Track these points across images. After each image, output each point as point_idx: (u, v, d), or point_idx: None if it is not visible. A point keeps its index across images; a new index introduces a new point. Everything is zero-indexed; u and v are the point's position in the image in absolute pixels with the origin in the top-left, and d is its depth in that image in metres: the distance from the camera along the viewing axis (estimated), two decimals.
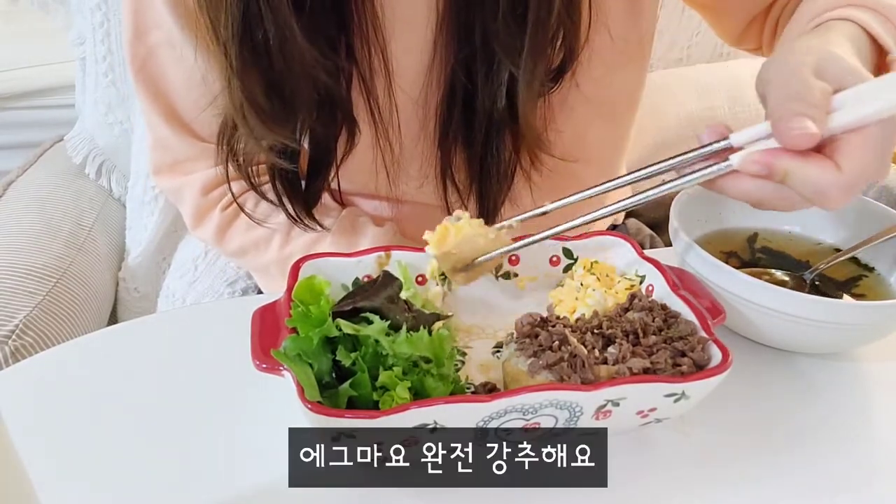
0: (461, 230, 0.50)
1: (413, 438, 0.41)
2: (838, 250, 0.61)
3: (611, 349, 0.47)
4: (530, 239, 0.50)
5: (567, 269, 0.56)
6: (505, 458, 0.43)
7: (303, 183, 0.70)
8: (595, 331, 0.49)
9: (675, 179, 0.48)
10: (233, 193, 0.70)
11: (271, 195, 0.69)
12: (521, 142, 0.65)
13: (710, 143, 0.48)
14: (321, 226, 0.71)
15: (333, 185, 0.70)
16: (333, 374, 0.45)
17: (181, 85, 0.69)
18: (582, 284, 0.53)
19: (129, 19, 0.68)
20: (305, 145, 0.66)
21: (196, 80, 0.66)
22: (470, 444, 0.43)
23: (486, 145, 0.66)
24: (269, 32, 0.56)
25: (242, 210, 0.72)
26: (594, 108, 0.70)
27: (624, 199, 0.48)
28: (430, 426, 0.40)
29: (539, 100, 0.64)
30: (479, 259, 0.50)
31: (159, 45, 0.68)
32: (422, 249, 0.54)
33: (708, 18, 0.76)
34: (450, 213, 0.53)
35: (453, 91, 0.64)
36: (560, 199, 0.50)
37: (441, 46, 0.63)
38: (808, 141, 0.43)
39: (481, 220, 0.51)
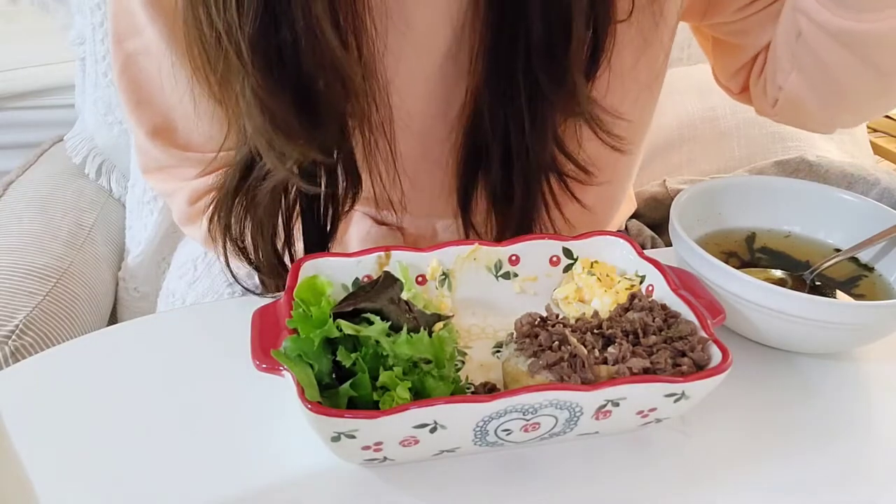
0: None
1: (413, 438, 0.41)
2: (838, 250, 0.61)
3: (611, 349, 0.47)
4: None
5: (567, 269, 0.56)
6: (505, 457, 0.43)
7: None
8: (595, 331, 0.49)
9: None
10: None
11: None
12: (554, 170, 0.63)
13: None
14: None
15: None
16: (333, 375, 0.45)
17: (165, 94, 0.67)
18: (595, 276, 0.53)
19: (110, 22, 0.66)
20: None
21: (182, 89, 0.62)
22: (470, 445, 0.43)
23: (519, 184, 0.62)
24: (298, 26, 0.50)
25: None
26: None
27: None
28: (430, 426, 0.40)
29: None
30: None
31: (137, 53, 0.66)
32: (421, 249, 0.54)
33: (707, 54, 0.77)
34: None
35: (478, 130, 0.61)
36: None
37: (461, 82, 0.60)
38: None
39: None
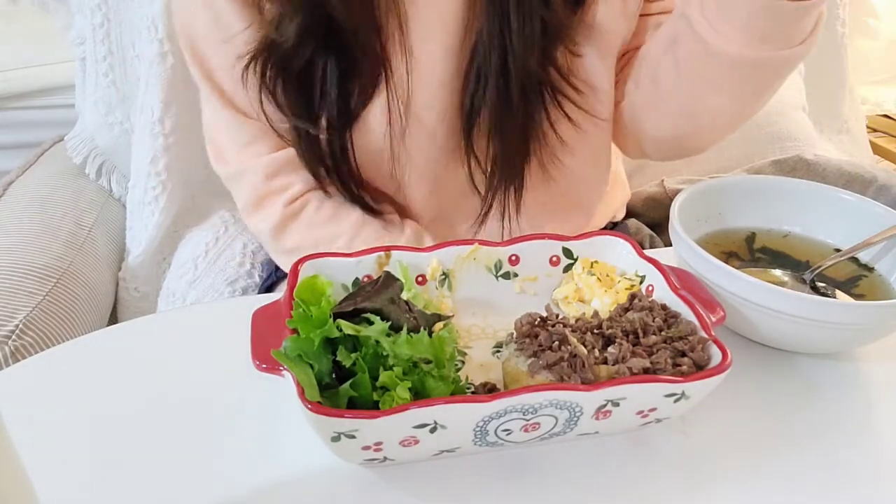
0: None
1: (413, 438, 0.41)
2: (838, 250, 0.61)
3: (611, 349, 0.47)
4: None
5: (567, 269, 0.56)
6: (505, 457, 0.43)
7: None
8: (595, 331, 0.49)
9: None
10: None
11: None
12: (550, 97, 0.69)
13: None
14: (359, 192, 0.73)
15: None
16: (333, 375, 0.45)
17: (221, 62, 0.72)
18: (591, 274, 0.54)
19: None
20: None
21: (232, 51, 0.69)
22: (470, 445, 0.43)
23: (518, 107, 0.69)
24: None
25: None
26: (602, 58, 0.73)
27: None
28: (430, 426, 0.40)
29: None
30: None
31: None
32: (421, 249, 0.54)
33: None
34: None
35: (483, 52, 0.67)
36: None
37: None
38: None
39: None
